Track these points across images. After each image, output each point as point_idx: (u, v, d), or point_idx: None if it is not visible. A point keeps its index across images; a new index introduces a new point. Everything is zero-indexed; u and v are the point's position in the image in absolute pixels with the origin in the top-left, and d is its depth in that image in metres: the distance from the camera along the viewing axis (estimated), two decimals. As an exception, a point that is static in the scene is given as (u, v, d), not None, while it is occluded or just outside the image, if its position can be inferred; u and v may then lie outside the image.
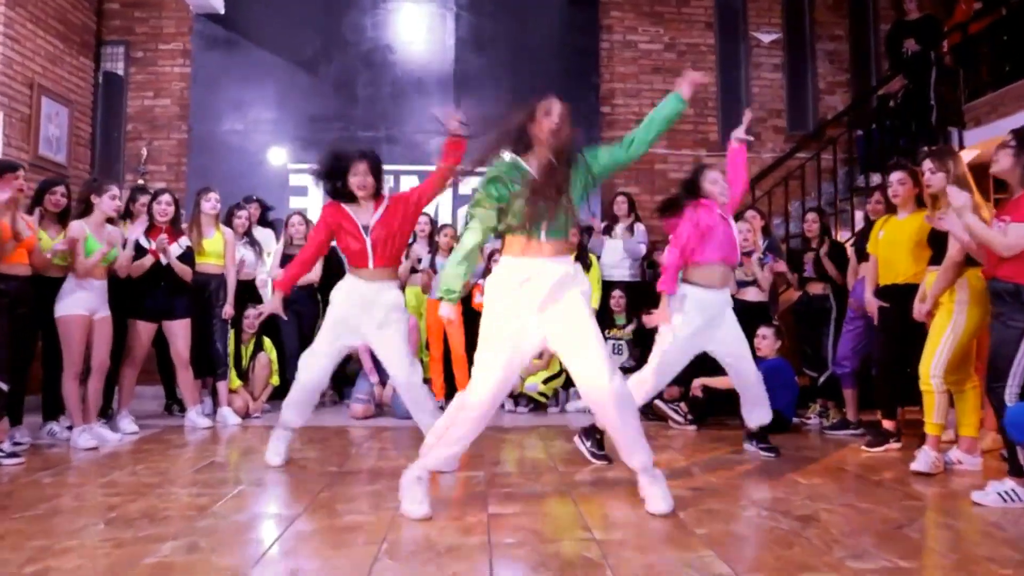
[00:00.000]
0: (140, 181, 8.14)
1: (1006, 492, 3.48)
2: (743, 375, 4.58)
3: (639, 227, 7.55)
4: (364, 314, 4.24)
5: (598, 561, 2.65)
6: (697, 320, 4.37)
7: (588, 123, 8.49)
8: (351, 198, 4.31)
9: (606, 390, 3.27)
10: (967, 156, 7.15)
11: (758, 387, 4.61)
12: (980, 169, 5.45)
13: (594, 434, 4.47)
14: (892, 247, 4.91)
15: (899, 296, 4.77)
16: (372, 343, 4.33)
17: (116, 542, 2.84)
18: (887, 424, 4.92)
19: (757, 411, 4.66)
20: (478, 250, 3.38)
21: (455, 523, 3.16)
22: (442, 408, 6.57)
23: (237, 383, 6.41)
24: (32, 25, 7.30)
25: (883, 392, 5.01)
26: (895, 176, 4.96)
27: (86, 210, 5.23)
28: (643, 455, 3.39)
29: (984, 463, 4.33)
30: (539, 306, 3.30)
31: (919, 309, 4.45)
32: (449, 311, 3.35)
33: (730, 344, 4.51)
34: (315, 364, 4.30)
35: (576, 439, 4.56)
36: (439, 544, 2.85)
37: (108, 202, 5.24)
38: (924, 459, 4.17)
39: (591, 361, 3.29)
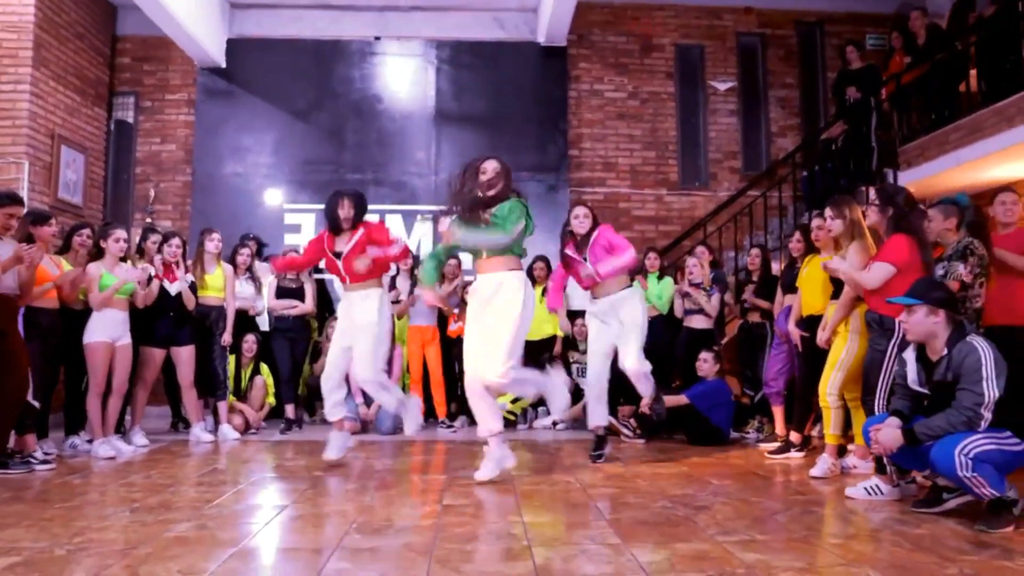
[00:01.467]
0: (148, 220, 8.95)
1: (871, 487, 4.22)
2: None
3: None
4: (349, 316, 5.34)
5: (520, 535, 3.39)
6: (592, 325, 5.56)
7: (557, 165, 9.36)
8: (340, 227, 5.44)
9: (496, 373, 4.50)
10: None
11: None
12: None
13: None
14: (811, 283, 5.60)
15: (815, 326, 5.43)
16: (352, 341, 5.29)
17: (141, 523, 3.58)
18: (794, 436, 5.66)
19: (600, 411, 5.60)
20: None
21: (414, 511, 3.91)
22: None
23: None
24: (54, 82, 8.13)
25: (799, 409, 5.76)
26: (815, 222, 5.67)
27: (100, 252, 5.99)
28: (492, 427, 4.69)
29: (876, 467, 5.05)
30: (481, 303, 4.67)
31: (820, 337, 5.18)
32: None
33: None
34: (328, 361, 5.46)
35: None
36: (398, 523, 3.59)
37: (113, 245, 6.00)
38: (822, 465, 4.90)
39: (493, 350, 4.54)
